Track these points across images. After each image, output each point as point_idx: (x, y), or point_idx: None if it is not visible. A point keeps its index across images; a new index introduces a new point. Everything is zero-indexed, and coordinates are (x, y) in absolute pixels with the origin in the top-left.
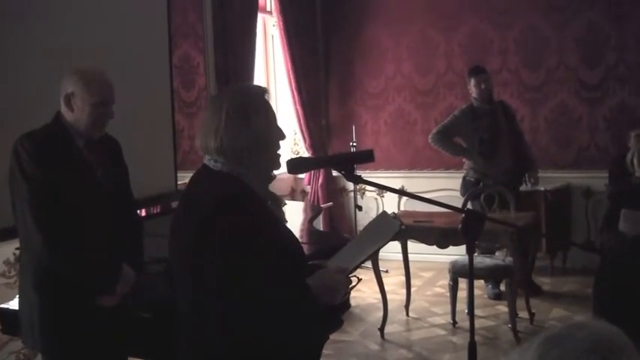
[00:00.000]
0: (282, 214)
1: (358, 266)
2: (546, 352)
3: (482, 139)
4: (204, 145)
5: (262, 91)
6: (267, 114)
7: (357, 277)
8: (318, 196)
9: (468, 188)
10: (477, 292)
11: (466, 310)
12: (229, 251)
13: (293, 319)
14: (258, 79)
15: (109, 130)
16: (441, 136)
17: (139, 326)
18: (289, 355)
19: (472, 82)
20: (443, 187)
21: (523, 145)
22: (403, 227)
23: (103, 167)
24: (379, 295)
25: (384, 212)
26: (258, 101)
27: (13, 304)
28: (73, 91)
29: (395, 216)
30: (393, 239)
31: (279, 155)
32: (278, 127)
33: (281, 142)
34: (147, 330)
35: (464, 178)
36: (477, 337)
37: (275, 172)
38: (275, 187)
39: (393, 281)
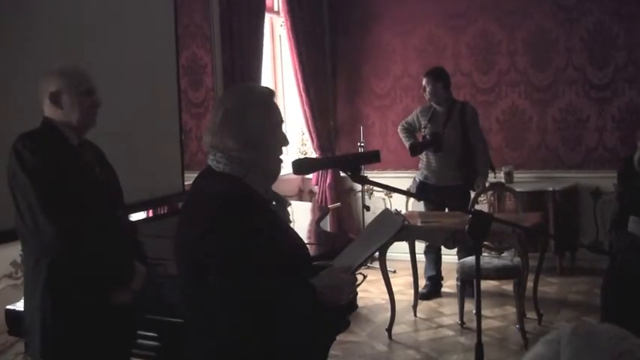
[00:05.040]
0: (287, 215)
1: (363, 264)
2: (583, 346)
3: (425, 139)
4: (204, 141)
5: (266, 93)
6: (267, 116)
7: (363, 275)
8: (325, 197)
9: (414, 188)
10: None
11: (474, 311)
12: (231, 253)
13: (297, 320)
14: (266, 80)
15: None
16: (402, 128)
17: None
18: (295, 355)
19: None
20: None
21: (475, 152)
22: (407, 223)
23: (97, 166)
24: (387, 296)
25: (387, 209)
26: (258, 102)
27: (20, 306)
28: (57, 88)
29: (398, 212)
30: (398, 237)
31: (277, 159)
32: (281, 131)
33: (283, 148)
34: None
35: (414, 179)
36: (484, 338)
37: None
38: (282, 188)
39: (401, 282)
